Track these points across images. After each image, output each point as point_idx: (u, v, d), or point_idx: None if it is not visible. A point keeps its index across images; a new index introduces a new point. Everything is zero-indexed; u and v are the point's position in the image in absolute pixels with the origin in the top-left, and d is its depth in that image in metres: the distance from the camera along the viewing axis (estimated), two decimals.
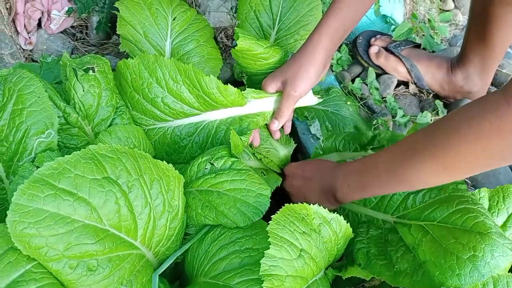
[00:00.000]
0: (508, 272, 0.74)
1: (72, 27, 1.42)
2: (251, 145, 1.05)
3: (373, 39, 1.38)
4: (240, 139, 0.91)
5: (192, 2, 1.43)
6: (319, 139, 1.17)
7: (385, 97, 1.31)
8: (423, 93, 1.36)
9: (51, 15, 1.34)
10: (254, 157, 1.05)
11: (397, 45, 1.34)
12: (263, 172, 0.99)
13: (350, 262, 0.82)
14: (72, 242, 0.61)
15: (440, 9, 1.61)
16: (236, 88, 0.93)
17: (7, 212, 0.57)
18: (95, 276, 0.63)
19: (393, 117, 1.26)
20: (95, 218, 0.64)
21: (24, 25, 1.31)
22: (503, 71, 1.38)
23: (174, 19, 1.12)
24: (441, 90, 1.32)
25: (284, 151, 1.10)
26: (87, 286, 0.63)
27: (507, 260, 0.65)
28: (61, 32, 1.40)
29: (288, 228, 0.67)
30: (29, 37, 1.33)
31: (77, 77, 0.84)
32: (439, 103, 1.28)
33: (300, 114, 1.17)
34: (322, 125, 1.15)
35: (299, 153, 1.17)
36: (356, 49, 1.38)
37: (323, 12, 1.17)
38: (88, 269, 0.62)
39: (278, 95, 1.00)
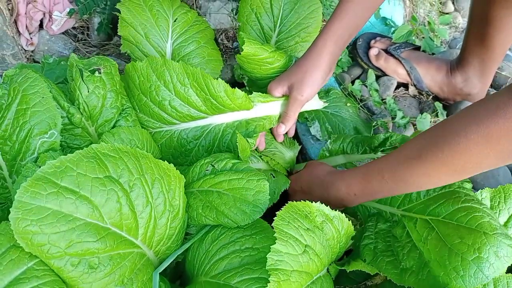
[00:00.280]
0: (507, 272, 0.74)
1: (73, 28, 1.43)
2: (256, 149, 1.06)
3: (373, 41, 1.39)
4: (247, 141, 0.91)
5: (193, 4, 1.44)
6: (319, 140, 1.17)
7: (384, 99, 1.32)
8: (422, 95, 1.37)
9: (52, 16, 1.35)
10: (262, 160, 1.06)
11: (397, 47, 1.35)
12: (272, 174, 1.00)
13: (354, 258, 0.83)
14: (74, 240, 0.61)
15: (440, 11, 1.62)
16: (243, 92, 0.93)
17: (10, 209, 0.58)
18: (96, 273, 0.64)
19: (393, 118, 1.26)
20: (96, 216, 0.64)
21: (26, 26, 1.32)
22: (503, 73, 1.38)
23: (175, 21, 1.12)
24: (441, 92, 1.33)
25: (289, 153, 1.10)
26: (89, 283, 0.63)
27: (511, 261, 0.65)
28: (63, 33, 1.40)
29: (292, 224, 0.68)
30: (31, 38, 1.34)
31: (82, 78, 0.84)
32: (438, 105, 1.29)
33: (300, 115, 1.17)
34: (322, 127, 1.16)
35: (300, 154, 1.17)
36: (356, 51, 1.39)
37: (323, 15, 1.17)
38: (89, 266, 0.63)
39: (285, 99, 1.00)
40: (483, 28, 1.12)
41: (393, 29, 1.48)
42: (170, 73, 0.91)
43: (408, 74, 1.34)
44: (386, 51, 1.36)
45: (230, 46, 1.42)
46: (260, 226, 0.79)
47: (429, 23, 1.52)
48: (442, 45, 1.52)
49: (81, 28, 1.44)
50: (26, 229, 0.58)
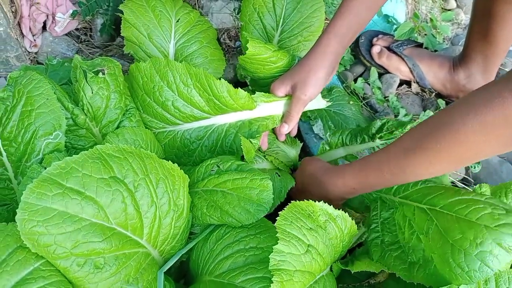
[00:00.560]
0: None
1: (76, 29, 1.43)
2: (259, 149, 1.06)
3: (375, 39, 1.39)
4: (251, 141, 0.91)
5: (195, 4, 1.44)
6: (322, 138, 1.18)
7: (387, 97, 1.32)
8: (425, 92, 1.37)
9: (55, 18, 1.35)
10: (266, 159, 1.06)
11: (399, 45, 1.35)
12: (277, 173, 1.00)
13: (358, 257, 0.83)
14: (80, 240, 0.62)
15: (442, 8, 1.61)
16: (246, 92, 0.93)
17: (16, 211, 0.58)
18: (102, 273, 0.64)
19: (396, 116, 1.26)
20: (102, 216, 0.65)
21: (29, 28, 1.32)
22: (506, 69, 1.38)
23: (177, 21, 1.12)
24: (444, 89, 1.32)
25: (292, 152, 1.11)
26: (94, 283, 0.64)
27: None
28: (66, 35, 1.41)
29: (295, 224, 0.68)
30: (34, 40, 1.34)
31: (86, 79, 0.85)
32: (441, 102, 1.29)
33: (303, 114, 1.17)
34: (325, 125, 1.16)
35: (302, 152, 1.18)
36: (358, 48, 1.39)
37: (326, 14, 1.17)
38: (95, 266, 0.63)
39: (288, 98, 1.00)
40: (486, 24, 1.12)
41: (395, 26, 1.48)
42: (173, 73, 0.91)
43: (411, 72, 1.33)
44: (389, 48, 1.35)
45: (233, 46, 1.42)
46: (265, 225, 0.79)
47: (431, 20, 1.52)
48: (444, 42, 1.52)
49: (84, 30, 1.44)
50: (32, 230, 0.58)
